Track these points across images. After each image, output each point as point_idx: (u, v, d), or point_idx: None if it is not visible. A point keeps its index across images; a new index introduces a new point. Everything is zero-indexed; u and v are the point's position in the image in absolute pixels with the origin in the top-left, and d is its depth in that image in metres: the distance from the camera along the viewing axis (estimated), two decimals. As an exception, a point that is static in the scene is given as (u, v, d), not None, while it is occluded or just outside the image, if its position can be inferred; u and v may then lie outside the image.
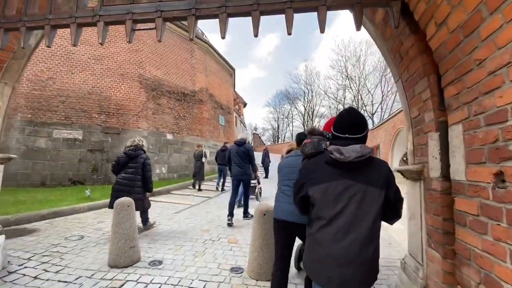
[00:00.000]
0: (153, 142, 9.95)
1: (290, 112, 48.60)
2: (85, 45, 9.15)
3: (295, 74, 58.94)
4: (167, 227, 4.46)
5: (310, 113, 42.06)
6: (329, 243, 1.24)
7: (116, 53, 9.54)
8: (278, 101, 51.44)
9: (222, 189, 8.48)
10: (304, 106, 42.47)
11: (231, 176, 5.14)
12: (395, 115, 13.90)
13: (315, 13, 1.79)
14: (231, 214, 4.64)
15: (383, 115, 29.18)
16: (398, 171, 2.33)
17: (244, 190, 5.15)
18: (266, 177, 12.10)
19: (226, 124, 14.90)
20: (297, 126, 48.20)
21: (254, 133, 56.75)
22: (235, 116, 41.55)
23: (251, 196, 5.94)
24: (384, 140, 15.10)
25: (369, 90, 30.38)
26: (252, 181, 6.07)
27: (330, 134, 1.59)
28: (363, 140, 1.32)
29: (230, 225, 4.53)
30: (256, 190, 7.14)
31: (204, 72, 12.71)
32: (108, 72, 9.33)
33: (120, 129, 9.24)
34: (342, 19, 63.24)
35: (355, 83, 30.88)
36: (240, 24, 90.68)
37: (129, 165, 3.90)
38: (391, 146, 14.28)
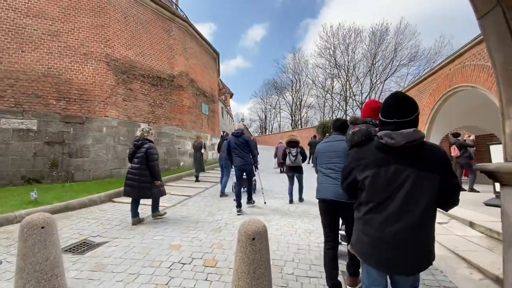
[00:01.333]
0: (124, 133, 8.75)
1: (278, 103, 47.71)
2: (38, 18, 7.69)
3: (283, 63, 57.61)
4: (125, 242, 3.46)
5: (298, 103, 41.31)
6: (380, 226, 1.27)
7: (76, 28, 8.12)
8: (266, 91, 50.19)
9: (223, 193, 6.67)
10: (291, 96, 41.60)
11: (234, 167, 5.27)
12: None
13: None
14: (239, 205, 4.95)
15: (372, 105, 28.72)
16: (483, 171, 1.79)
17: (248, 179, 5.41)
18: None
19: (210, 113, 13.76)
20: (285, 117, 47.54)
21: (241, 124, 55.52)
22: (221, 107, 40.21)
23: (245, 188, 6.02)
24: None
25: (358, 78, 29.83)
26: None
27: (373, 121, 1.72)
28: (413, 123, 1.26)
29: (241, 212, 4.89)
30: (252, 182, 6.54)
31: (183, 54, 11.43)
32: (67, 51, 7.94)
33: (84, 118, 7.96)
34: (331, 6, 62.15)
35: (344, 71, 30.22)
36: (226, 13, 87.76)
37: (136, 155, 4.12)
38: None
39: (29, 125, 7.32)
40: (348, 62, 29.82)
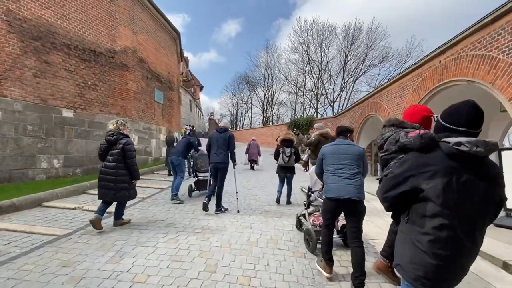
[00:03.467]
0: (35, 120, 6.46)
1: (250, 98, 46.17)
2: None
3: (255, 56, 56.04)
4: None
5: (270, 99, 40.15)
6: (453, 246, 1.17)
7: (-43, -33, 5.64)
8: (237, 85, 48.30)
9: (175, 196, 5.40)
10: (263, 91, 40.30)
11: (210, 164, 4.97)
12: (364, 100, 12.42)
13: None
14: (209, 198, 4.78)
15: (344, 104, 28.55)
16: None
17: (220, 180, 4.82)
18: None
19: (167, 102, 11.67)
20: (256, 113, 46.20)
21: (210, 118, 53.01)
22: (190, 99, 37.52)
23: (203, 191, 5.93)
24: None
25: (331, 75, 29.34)
26: (204, 174, 6.14)
27: (421, 127, 1.85)
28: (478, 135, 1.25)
29: (206, 207, 4.64)
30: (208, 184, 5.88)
31: (130, 26, 9.23)
32: None
33: (-34, 96, 5.57)
34: (303, 9, 62.09)
35: (317, 67, 29.53)
36: (201, 4, 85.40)
37: (110, 152, 3.66)
38: (357, 133, 12.86)
39: None
40: (321, 58, 29.20)
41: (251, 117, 47.39)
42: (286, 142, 5.66)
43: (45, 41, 6.73)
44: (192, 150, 6.02)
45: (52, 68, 6.85)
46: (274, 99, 39.51)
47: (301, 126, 19.74)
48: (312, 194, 3.71)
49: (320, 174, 2.87)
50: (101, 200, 3.70)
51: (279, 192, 5.71)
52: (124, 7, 8.99)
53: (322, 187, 3.28)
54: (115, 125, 3.77)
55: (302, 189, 3.67)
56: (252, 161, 10.89)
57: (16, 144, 6.09)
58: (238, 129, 46.83)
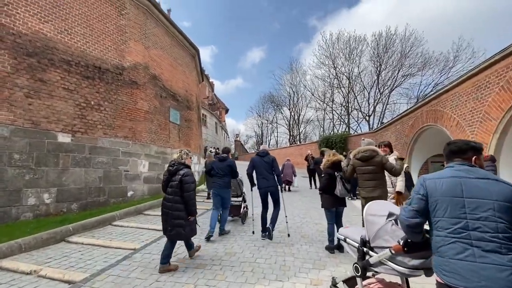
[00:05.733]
0: (23, 148, 5.46)
1: (275, 117, 44.98)
2: None
3: (280, 74, 55.72)
4: None
5: (296, 118, 38.56)
6: None
7: None
8: (262, 105, 47.65)
9: (223, 230, 4.92)
10: (289, 110, 38.90)
11: (258, 189, 4.74)
12: (414, 110, 10.25)
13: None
14: (264, 229, 4.54)
15: (381, 117, 25.91)
16: None
17: (276, 203, 4.69)
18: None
19: (184, 122, 10.56)
20: (282, 132, 44.62)
21: (236, 140, 52.47)
22: (215, 122, 37.28)
23: (235, 218, 5.87)
24: (396, 144, 11.38)
25: (365, 87, 27.05)
26: (236, 199, 5.85)
27: None
28: None
29: (266, 236, 4.38)
30: (242, 210, 5.77)
31: (142, 40, 8.42)
32: None
33: None
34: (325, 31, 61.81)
35: (347, 78, 27.55)
36: (227, 36, 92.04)
37: (170, 184, 3.39)
38: (408, 149, 10.57)
39: None
40: (351, 70, 27.28)
41: (277, 136, 45.90)
42: (338, 166, 4.15)
43: (41, 58, 5.92)
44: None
45: (48, 87, 5.96)
46: (301, 117, 37.80)
47: (334, 144, 17.65)
48: (372, 253, 1.98)
49: (415, 229, 1.61)
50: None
51: (331, 234, 4.03)
52: (135, 21, 8.24)
53: (404, 246, 1.71)
54: (178, 154, 3.55)
55: (345, 240, 2.18)
56: (287, 182, 10.31)
57: (-3, 177, 5.06)
58: (264, 149, 45.38)
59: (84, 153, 6.48)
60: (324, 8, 71.57)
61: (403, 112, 11.64)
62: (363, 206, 3.57)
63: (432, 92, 12.67)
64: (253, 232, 4.84)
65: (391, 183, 3.90)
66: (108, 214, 5.62)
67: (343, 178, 3.97)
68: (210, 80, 48.32)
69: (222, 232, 4.82)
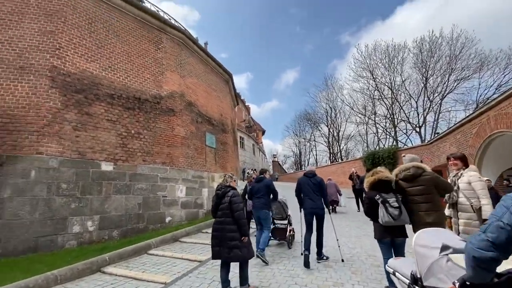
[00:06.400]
0: (70, 178, 5.78)
1: (313, 135, 43.75)
2: (-37, 25, 5.65)
3: (314, 92, 54.83)
4: None
5: (335, 134, 36.91)
6: None
7: (17, 36, 5.93)
8: (298, 124, 46.92)
9: (262, 251, 4.62)
10: (327, 126, 37.51)
11: (304, 210, 4.68)
12: (477, 116, 8.74)
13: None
14: (307, 249, 4.25)
15: (433, 127, 23.26)
16: None
17: (319, 227, 4.56)
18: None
19: (220, 146, 10.57)
20: (322, 150, 42.90)
21: (274, 160, 52.01)
22: (252, 144, 37.64)
23: (282, 242, 5.65)
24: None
25: (411, 96, 24.83)
26: (281, 222, 5.70)
27: None
28: None
29: (307, 263, 4.15)
30: (288, 233, 5.48)
31: (178, 70, 8.82)
32: (-3, 64, 5.65)
33: (4, 157, 5.23)
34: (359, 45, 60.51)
35: (389, 88, 25.68)
36: (261, 61, 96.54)
37: (220, 207, 3.44)
38: (475, 162, 8.91)
39: None
40: (392, 80, 25.49)
41: (316, 155, 44.19)
42: (383, 185, 3.26)
43: (88, 93, 6.44)
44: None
45: (93, 120, 6.40)
46: (340, 133, 36.05)
47: (381, 160, 16.05)
48: None
49: (484, 264, 1.15)
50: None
51: (388, 275, 3.13)
52: (171, 53, 8.73)
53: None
54: (223, 179, 3.65)
55: (394, 274, 1.68)
56: (333, 202, 9.40)
57: (47, 207, 5.36)
58: (303, 169, 43.91)
59: (125, 180, 6.67)
60: (357, 24, 70.91)
61: (463, 120, 10.06)
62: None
63: (497, 94, 10.88)
64: (301, 254, 4.58)
65: (471, 206, 3.00)
66: (144, 242, 5.51)
67: (387, 202, 3.10)
68: (246, 104, 49.73)
69: (260, 254, 4.50)
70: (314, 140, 43.31)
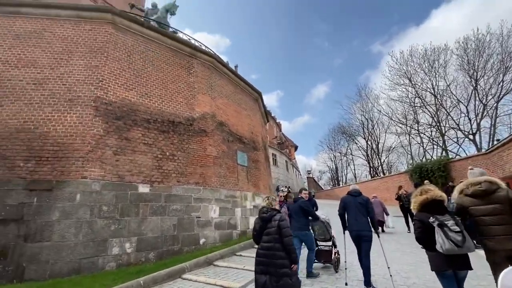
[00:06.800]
0: (110, 200, 6.05)
1: (349, 149, 41.80)
2: (27, 68, 6.53)
3: (348, 104, 52.93)
4: None
5: (374, 147, 34.77)
6: None
7: (67, 72, 6.66)
8: (332, 138, 45.38)
9: (310, 273, 4.82)
10: (364, 138, 35.58)
11: (350, 232, 4.44)
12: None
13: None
14: (368, 283, 4.00)
15: (491, 133, 20.63)
16: None
17: (366, 251, 4.19)
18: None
19: (251, 164, 10.46)
20: (360, 164, 40.68)
21: (308, 177, 50.42)
22: (286, 160, 37.11)
23: (327, 264, 5.36)
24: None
25: (459, 100, 22.50)
26: (325, 244, 5.53)
27: None
28: None
29: None
30: (333, 256, 5.14)
31: (208, 92, 9.09)
32: (51, 99, 6.35)
33: (54, 183, 5.69)
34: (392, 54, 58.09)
35: (433, 95, 23.64)
36: (291, 78, 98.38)
37: (266, 231, 3.23)
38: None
39: (-16, 198, 5.36)
40: (435, 85, 23.51)
41: (355, 170, 41.81)
42: (436, 206, 2.73)
43: (127, 119, 6.87)
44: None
45: (131, 144, 6.75)
46: (380, 145, 33.81)
47: (431, 173, 14.46)
48: None
49: None
50: None
51: None
52: (202, 77, 9.08)
53: None
54: (267, 201, 3.49)
55: None
56: (379, 223, 8.63)
57: (89, 228, 5.62)
58: (341, 185, 41.70)
59: (161, 202, 6.81)
60: (387, 32, 68.68)
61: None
62: (492, 265, 2.48)
63: None
64: (345, 284, 4.24)
65: None
66: (178, 266, 5.43)
67: (445, 226, 2.52)
68: (277, 121, 49.83)
69: (310, 275, 4.62)
70: (351, 154, 41.30)
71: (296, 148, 56.78)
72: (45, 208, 5.47)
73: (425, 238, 2.69)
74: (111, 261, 5.71)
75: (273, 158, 32.34)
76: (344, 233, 4.62)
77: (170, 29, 10.63)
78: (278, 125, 49.88)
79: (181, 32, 10.45)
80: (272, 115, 45.44)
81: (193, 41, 9.89)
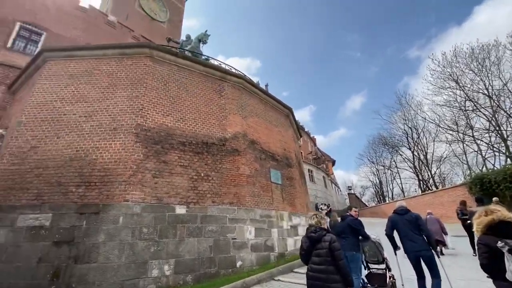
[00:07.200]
0: (150, 222, 6.26)
1: (393, 162, 38.80)
2: (79, 103, 7.37)
3: (387, 113, 49.82)
4: None
5: (421, 157, 31.82)
6: None
7: (112, 104, 7.34)
8: (373, 150, 42.69)
9: None
10: (410, 149, 32.83)
11: (406, 254, 4.16)
12: None
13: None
14: None
15: None
16: None
17: (433, 271, 3.88)
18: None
19: (286, 181, 10.16)
20: (408, 177, 37.11)
21: (349, 193, 47.58)
22: (323, 176, 35.72)
23: None
24: None
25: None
26: (377, 266, 4.94)
27: None
28: None
29: None
30: (388, 280, 4.61)
31: (239, 112, 9.25)
32: (98, 129, 7.00)
33: (101, 206, 6.10)
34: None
35: (485, 96, 21.15)
36: (322, 92, 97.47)
37: (315, 252, 3.15)
38: None
39: (43, 221, 5.94)
40: (489, 84, 21.06)
41: (401, 184, 38.34)
42: (505, 228, 2.30)
43: (164, 143, 7.23)
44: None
45: (168, 167, 7.04)
46: (429, 155, 30.77)
47: (495, 185, 12.54)
48: None
49: None
50: None
51: None
52: (232, 98, 9.32)
53: None
54: (315, 220, 3.36)
55: None
56: (438, 243, 7.57)
57: (131, 250, 5.83)
58: (387, 201, 38.43)
59: (197, 223, 6.86)
60: (425, 35, 64.93)
61: None
62: None
63: None
64: None
65: None
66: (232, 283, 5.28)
67: None
68: (312, 136, 48.82)
69: None
70: (396, 167, 38.17)
71: (333, 162, 54.55)
72: (93, 230, 5.85)
73: (492, 265, 2.26)
74: (151, 283, 5.78)
75: (309, 174, 31.35)
76: (395, 253, 4.33)
77: (203, 57, 11.31)
78: (313, 140, 48.79)
79: (213, 58, 11.05)
80: (306, 130, 44.74)
81: (223, 65, 10.33)
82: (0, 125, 8.49)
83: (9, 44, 11.42)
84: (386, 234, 4.42)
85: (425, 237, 4.10)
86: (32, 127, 7.02)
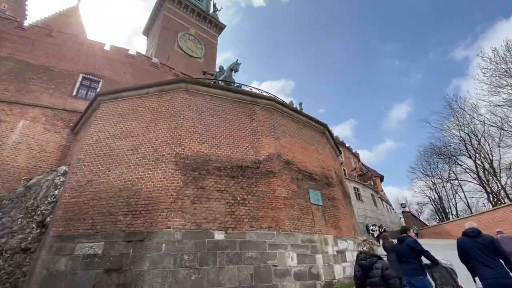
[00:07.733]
0: (190, 249, 6.33)
1: (452, 173, 34.38)
2: (127, 138, 8.14)
3: (437, 120, 45.13)
4: None
5: (486, 166, 27.73)
6: None
7: (154, 137, 7.95)
8: (426, 162, 38.48)
9: None
10: (471, 157, 28.91)
11: (481, 281, 3.67)
12: None
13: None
14: None
15: None
16: None
17: None
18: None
19: (327, 202, 9.57)
20: (472, 190, 32.28)
21: (404, 211, 42.90)
22: (372, 194, 33.12)
23: None
24: None
25: None
26: None
27: None
28: None
29: None
30: None
31: (272, 134, 9.24)
32: (143, 160, 7.57)
33: (145, 234, 6.40)
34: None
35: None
36: (362, 105, 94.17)
37: (369, 281, 3.00)
38: None
39: (96, 249, 6.42)
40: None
41: (466, 198, 33.42)
42: None
43: (201, 170, 7.48)
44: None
45: (206, 192, 7.20)
46: (495, 163, 26.62)
47: None
48: None
49: None
50: None
51: None
52: (264, 120, 9.41)
53: None
54: (367, 246, 3.22)
55: None
56: None
57: (173, 278, 5.90)
58: (451, 218, 33.63)
59: (235, 249, 6.73)
60: (471, 34, 59.98)
61: None
62: None
63: None
64: None
65: None
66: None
67: None
68: (354, 151, 46.31)
69: None
70: (457, 179, 33.62)
71: (382, 178, 50.54)
72: (139, 258, 6.10)
73: None
74: (193, 314, 5.71)
75: (355, 193, 29.37)
76: (474, 281, 3.92)
77: (235, 84, 11.84)
78: (356, 155, 46.19)
79: (244, 84, 11.52)
80: (347, 145, 42.72)
81: (254, 90, 10.63)
82: (65, 163, 9.74)
83: (74, 93, 13.39)
84: (461, 260, 4.05)
85: (502, 262, 3.63)
86: (89, 163, 7.89)
